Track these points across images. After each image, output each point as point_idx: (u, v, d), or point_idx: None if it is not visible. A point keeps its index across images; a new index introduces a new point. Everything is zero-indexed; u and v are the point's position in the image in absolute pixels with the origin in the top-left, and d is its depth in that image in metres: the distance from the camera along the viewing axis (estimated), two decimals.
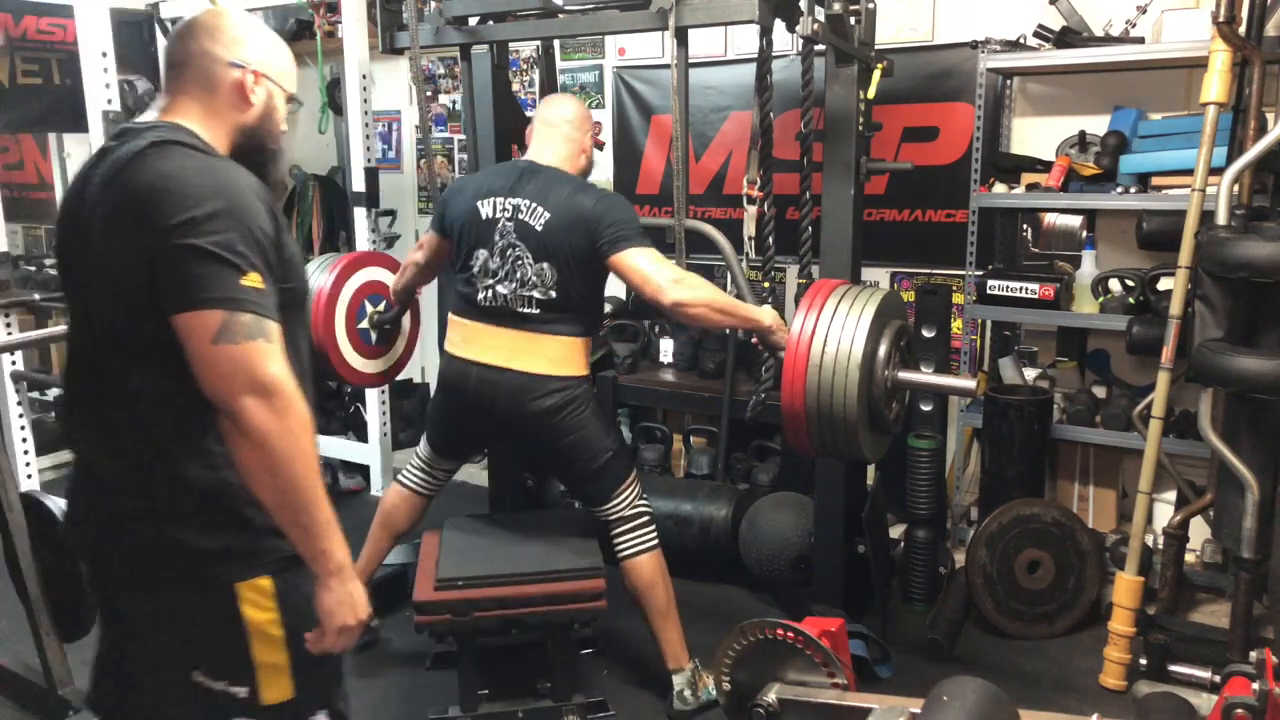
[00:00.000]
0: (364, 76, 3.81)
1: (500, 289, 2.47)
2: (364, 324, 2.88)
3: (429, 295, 3.16)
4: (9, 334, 3.26)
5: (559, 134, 2.56)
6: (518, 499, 3.50)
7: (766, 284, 2.71)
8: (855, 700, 1.75)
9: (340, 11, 3.77)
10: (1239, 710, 1.73)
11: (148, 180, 1.31)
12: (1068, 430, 3.33)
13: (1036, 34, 3.33)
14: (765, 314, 2.40)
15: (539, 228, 2.42)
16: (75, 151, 4.81)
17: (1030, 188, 3.39)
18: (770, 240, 2.70)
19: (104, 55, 3.03)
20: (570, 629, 2.51)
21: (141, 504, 1.40)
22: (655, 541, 2.57)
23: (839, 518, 2.96)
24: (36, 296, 3.72)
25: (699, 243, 2.70)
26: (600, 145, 2.68)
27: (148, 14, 3.90)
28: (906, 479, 3.18)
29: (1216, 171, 2.56)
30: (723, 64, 4.17)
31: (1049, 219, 3.60)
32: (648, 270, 2.33)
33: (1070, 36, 3.26)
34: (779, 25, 2.45)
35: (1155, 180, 3.12)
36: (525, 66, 4.71)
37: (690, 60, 2.57)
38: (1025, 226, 3.67)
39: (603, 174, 4.45)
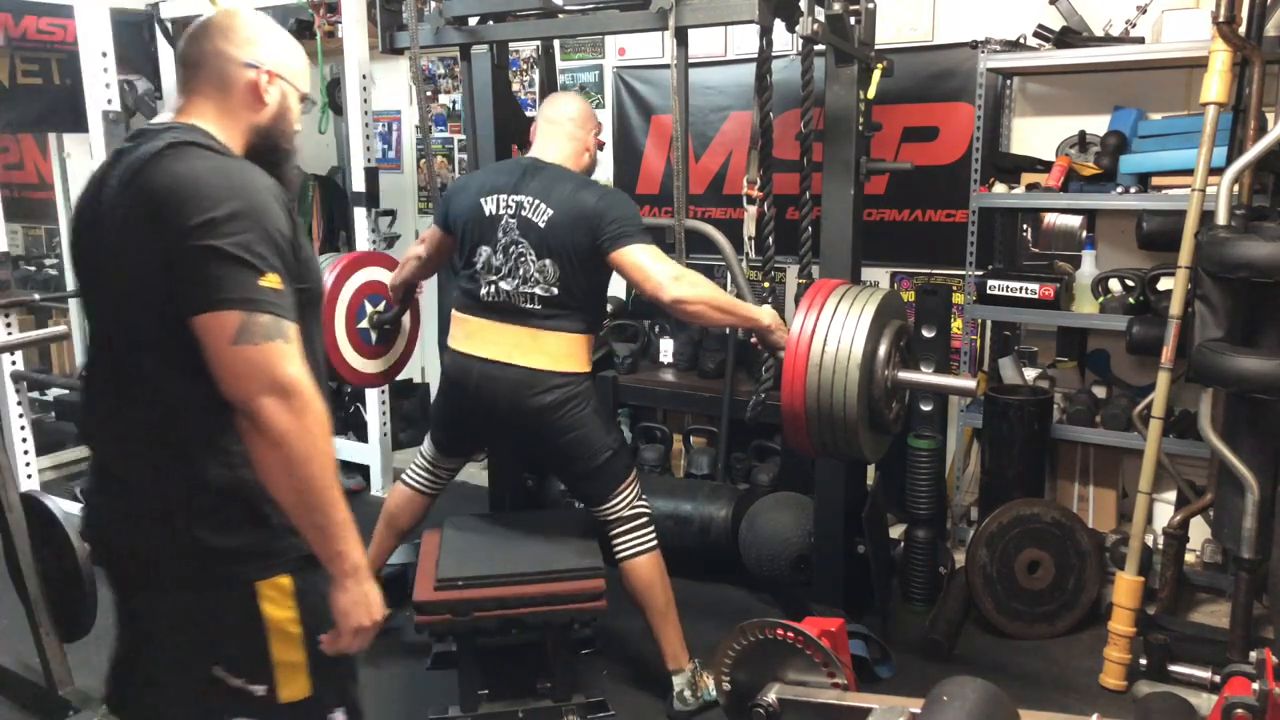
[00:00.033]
0: (364, 76, 3.81)
1: (503, 285, 2.47)
2: (364, 324, 2.88)
3: (429, 295, 3.16)
4: (9, 334, 3.26)
5: (562, 132, 2.56)
6: (518, 499, 3.50)
7: (766, 284, 2.71)
8: (855, 700, 1.75)
9: (340, 11, 3.77)
10: (1239, 710, 1.73)
11: (165, 182, 1.32)
12: (1068, 430, 3.33)
13: (1036, 34, 3.33)
14: (764, 314, 2.40)
15: (542, 224, 2.43)
16: (75, 151, 4.80)
17: (1030, 188, 3.39)
18: (770, 240, 2.70)
19: (104, 55, 3.03)
20: (570, 629, 2.51)
21: (160, 504, 1.40)
22: (654, 542, 2.57)
23: (839, 518, 2.96)
24: (36, 296, 3.73)
25: (699, 243, 2.70)
26: (600, 145, 2.69)
27: (148, 14, 3.90)
28: (906, 479, 3.18)
29: (1216, 171, 2.56)
30: (723, 64, 4.17)
31: (1049, 219, 3.60)
32: (648, 267, 2.33)
33: (1070, 36, 3.26)
34: (779, 25, 2.45)
35: (1155, 180, 3.12)
36: (525, 66, 4.71)
37: (690, 60, 2.57)
38: (1025, 226, 3.67)
39: (603, 174, 4.45)
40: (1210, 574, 3.18)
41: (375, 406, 4.17)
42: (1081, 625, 3.00)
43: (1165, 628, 2.76)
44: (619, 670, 2.82)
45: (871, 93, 2.72)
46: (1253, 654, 2.11)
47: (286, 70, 1.51)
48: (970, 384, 2.32)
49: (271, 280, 1.31)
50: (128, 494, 1.44)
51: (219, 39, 1.47)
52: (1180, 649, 2.66)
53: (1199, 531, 3.14)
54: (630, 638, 2.87)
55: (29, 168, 5.45)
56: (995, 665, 2.83)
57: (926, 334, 3.25)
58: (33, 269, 5.44)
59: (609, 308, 3.38)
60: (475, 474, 4.16)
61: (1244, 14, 2.57)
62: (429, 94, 5.03)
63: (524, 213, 2.45)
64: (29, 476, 3.42)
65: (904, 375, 2.23)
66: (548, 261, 2.43)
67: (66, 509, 3.00)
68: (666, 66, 3.41)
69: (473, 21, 2.89)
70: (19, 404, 3.43)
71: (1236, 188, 2.56)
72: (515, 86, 4.55)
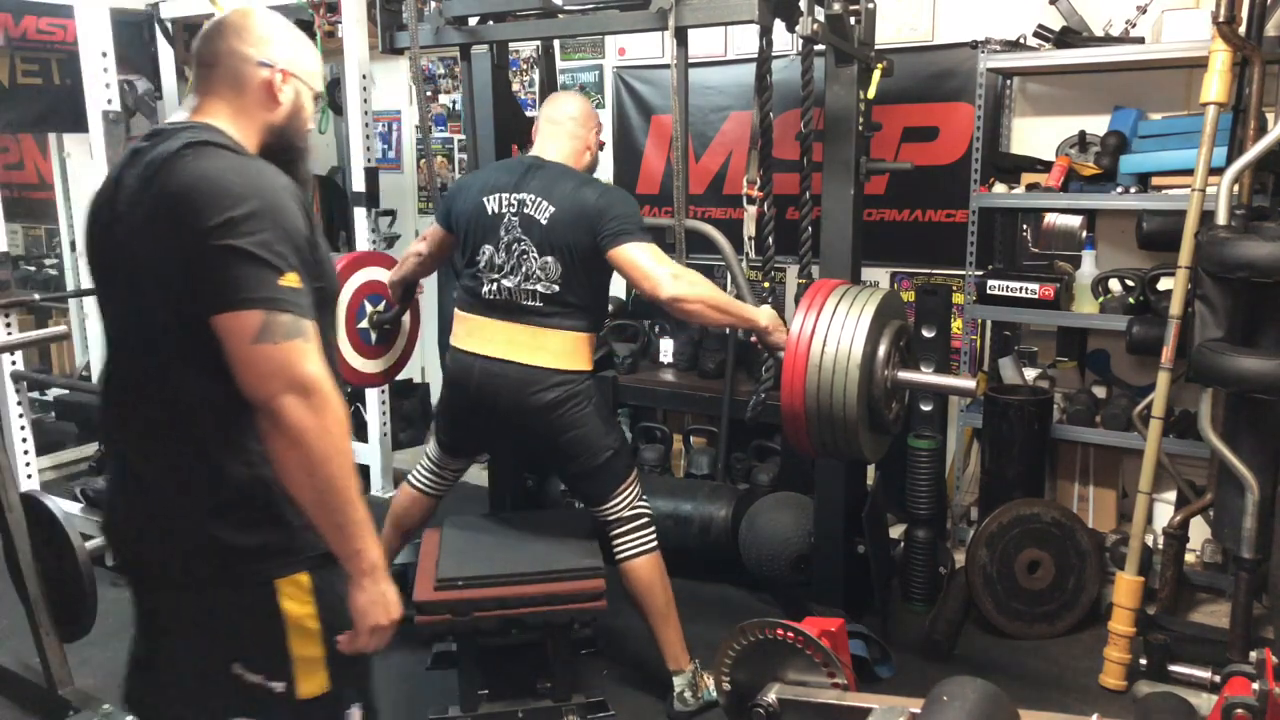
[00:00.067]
0: (364, 76, 3.81)
1: (505, 283, 2.47)
2: (364, 324, 2.88)
3: (429, 295, 3.16)
4: (9, 334, 3.26)
5: (563, 131, 2.57)
6: (518, 499, 3.50)
7: (766, 284, 2.71)
8: (855, 700, 1.75)
9: (340, 11, 3.77)
10: (1239, 710, 1.73)
11: (184, 181, 1.32)
12: (1068, 430, 3.33)
13: (1036, 34, 3.33)
14: (762, 314, 2.40)
15: (544, 221, 2.43)
16: (75, 151, 4.81)
17: (1030, 188, 3.39)
18: (770, 240, 2.70)
19: (104, 55, 3.03)
20: (570, 629, 2.51)
21: (180, 502, 1.41)
22: (654, 543, 2.57)
23: (839, 518, 2.96)
24: (36, 296, 3.73)
25: (699, 243, 2.70)
26: (601, 145, 2.69)
27: (148, 14, 3.90)
28: (906, 479, 3.18)
29: (1216, 171, 2.56)
30: (723, 64, 4.17)
31: (1049, 219, 3.59)
32: (645, 265, 2.33)
33: (1070, 36, 3.27)
34: (779, 25, 2.45)
35: (1155, 180, 3.12)
36: (525, 66, 4.71)
37: (690, 60, 2.57)
38: (1025, 226, 3.67)
39: (603, 174, 4.43)
40: (1210, 574, 3.18)
41: (375, 406, 4.17)
42: (1081, 625, 3.01)
43: (1165, 628, 2.76)
44: (619, 670, 2.82)
45: (871, 93, 2.72)
46: (1253, 654, 2.11)
47: (300, 69, 1.52)
48: (970, 384, 2.32)
49: (291, 279, 1.32)
50: (146, 493, 1.45)
51: (233, 38, 1.48)
52: (1180, 649, 2.66)
53: (1199, 531, 3.14)
54: (630, 638, 2.87)
55: (29, 168, 5.45)
56: (995, 665, 2.83)
57: (926, 334, 3.25)
58: (33, 269, 5.45)
59: (609, 307, 3.38)
60: (475, 474, 4.15)
61: (1244, 14, 2.57)
62: (429, 94, 5.03)
63: (526, 210, 2.45)
64: (29, 476, 3.42)
65: (904, 375, 2.23)
66: (550, 259, 2.43)
67: (66, 509, 3.00)
68: (666, 66, 3.41)
69: (473, 21, 2.89)
70: (19, 404, 3.43)
71: (1236, 188, 2.56)
72: (515, 86, 4.55)
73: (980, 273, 3.47)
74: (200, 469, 1.40)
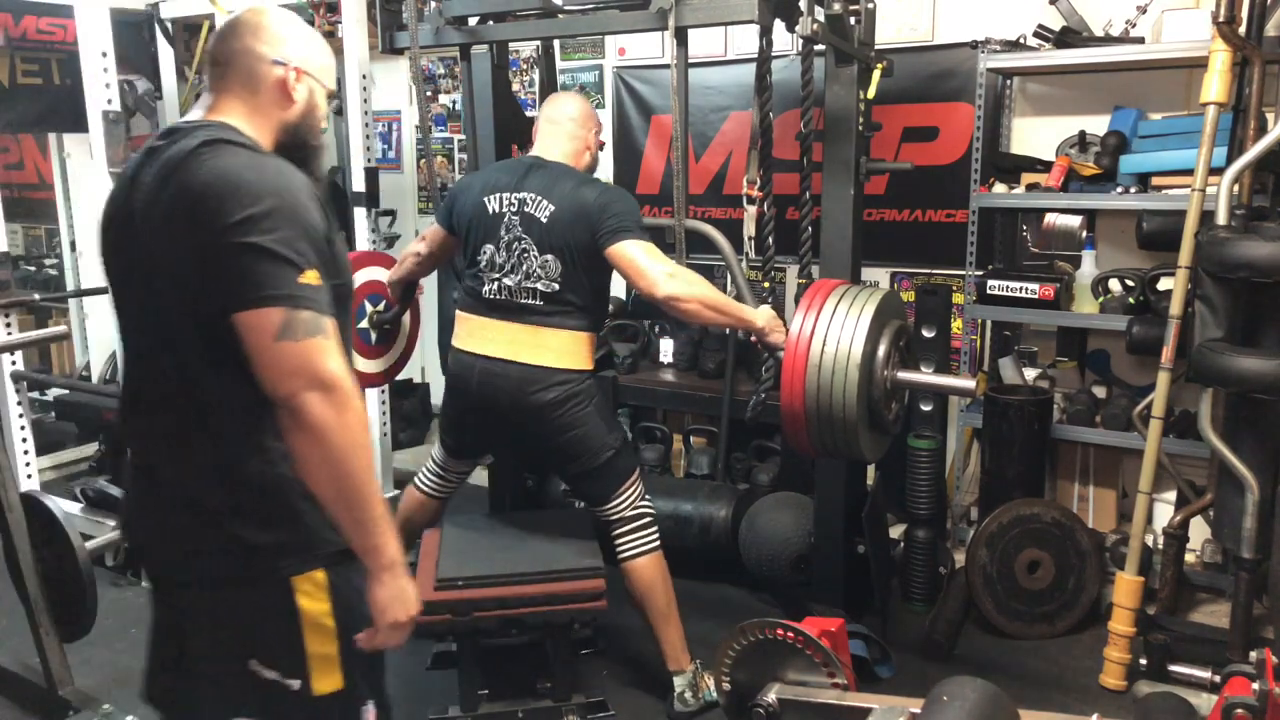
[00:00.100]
0: (364, 76, 3.80)
1: (506, 282, 2.47)
2: (364, 324, 2.88)
3: (429, 295, 3.16)
4: (9, 334, 3.25)
5: (563, 131, 2.57)
6: (518, 499, 3.50)
7: (766, 284, 2.71)
8: (855, 700, 1.75)
9: (340, 11, 3.76)
10: (1239, 710, 1.73)
11: (203, 179, 1.33)
12: (1068, 430, 3.33)
13: (1036, 34, 3.33)
14: (760, 315, 2.41)
15: (544, 220, 2.43)
16: (75, 151, 4.80)
17: (1030, 188, 3.39)
18: (770, 240, 2.70)
19: (104, 55, 3.03)
20: (570, 629, 2.51)
21: (199, 501, 1.42)
22: (656, 543, 2.57)
23: (839, 518, 2.97)
24: (36, 296, 3.72)
25: (699, 243, 2.70)
26: (601, 145, 2.69)
27: (148, 14, 3.90)
28: (906, 479, 3.18)
29: (1216, 171, 2.56)
30: (723, 64, 4.17)
31: (1049, 219, 3.59)
32: (642, 263, 2.34)
33: (1070, 36, 3.27)
34: (779, 25, 2.45)
35: (1155, 180, 3.12)
36: (525, 66, 4.71)
37: (690, 60, 2.57)
38: (1025, 227, 3.67)
39: (603, 174, 4.43)
40: (1210, 574, 3.18)
41: (375, 406, 4.16)
42: (1081, 625, 3.01)
43: (1165, 628, 2.76)
44: (619, 670, 2.82)
45: (871, 93, 2.72)
46: (1253, 654, 2.11)
47: (314, 67, 1.53)
48: (970, 384, 2.32)
49: (310, 277, 1.33)
50: (166, 492, 1.46)
51: (248, 37, 1.48)
52: (1180, 649, 2.66)
53: (1199, 531, 3.14)
54: (630, 638, 2.87)
55: (29, 168, 5.45)
56: (995, 665, 2.83)
57: (926, 334, 3.26)
58: (33, 269, 5.44)
59: (610, 307, 3.38)
60: (475, 474, 4.13)
61: (1244, 14, 2.57)
62: (429, 94, 5.03)
63: (526, 209, 2.45)
64: (29, 476, 3.41)
65: (903, 375, 2.23)
66: (550, 257, 2.43)
67: (66, 509, 3.00)
68: (666, 66, 3.41)
69: (473, 21, 2.89)
70: (19, 404, 3.43)
71: (1236, 188, 2.56)
72: (515, 86, 4.55)
73: (980, 273, 3.47)
74: (218, 467, 1.40)
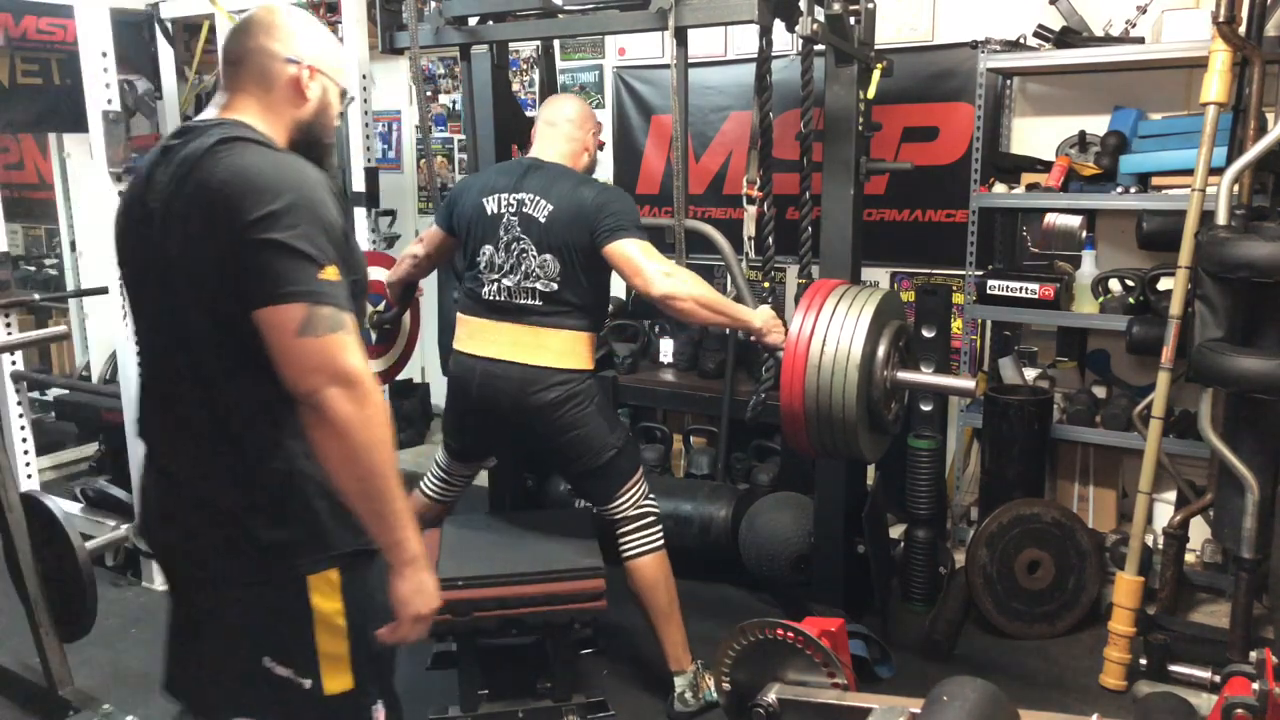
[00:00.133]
0: (364, 76, 3.80)
1: (505, 282, 2.48)
2: (364, 324, 2.88)
3: (429, 296, 3.16)
4: (9, 334, 3.25)
5: (561, 133, 2.57)
6: (518, 499, 3.50)
7: (766, 284, 2.71)
8: (855, 700, 1.75)
9: (340, 11, 3.76)
10: (1239, 710, 1.73)
11: (221, 177, 1.33)
12: (1068, 430, 3.33)
13: (1036, 34, 3.33)
14: (757, 316, 2.41)
15: (542, 219, 2.43)
16: (75, 151, 4.80)
17: (1030, 188, 3.39)
18: (770, 240, 2.70)
19: (104, 55, 3.02)
20: (570, 629, 2.51)
21: (217, 500, 1.43)
22: (660, 542, 2.57)
23: (839, 518, 2.96)
24: (36, 296, 3.72)
25: (699, 243, 2.71)
26: (600, 145, 2.69)
27: (148, 14, 3.89)
28: (906, 479, 3.18)
29: (1216, 171, 2.56)
30: (723, 64, 4.17)
31: (1049, 219, 3.59)
32: (639, 261, 2.34)
33: (1070, 36, 3.27)
34: (779, 25, 2.45)
35: (1155, 180, 3.12)
36: (525, 66, 4.71)
37: (690, 60, 2.57)
38: (1025, 227, 3.67)
39: (603, 174, 4.44)
40: (1210, 574, 3.18)
41: None
42: (1081, 625, 3.01)
43: (1165, 628, 2.76)
44: (620, 670, 2.82)
45: (871, 93, 2.72)
46: (1253, 654, 2.11)
47: (327, 65, 1.54)
48: (969, 384, 2.32)
49: (330, 273, 1.33)
50: (183, 492, 1.47)
51: (261, 36, 1.49)
52: (1180, 649, 2.66)
53: (1199, 531, 3.14)
54: (631, 638, 2.87)
55: (29, 168, 5.45)
56: (995, 665, 2.83)
57: (926, 334, 3.25)
58: (33, 269, 5.44)
59: (610, 307, 3.38)
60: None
61: (1244, 14, 2.57)
62: (429, 94, 5.03)
63: (525, 209, 2.45)
64: (29, 476, 3.41)
65: (903, 375, 2.23)
66: (548, 257, 2.43)
67: (66, 509, 3.00)
68: (666, 66, 3.41)
69: (473, 21, 2.89)
70: (19, 404, 3.43)
71: (1236, 188, 2.56)
72: (515, 86, 4.55)
73: (980, 273, 3.47)
74: (235, 467, 1.41)
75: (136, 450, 3.27)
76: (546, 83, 3.72)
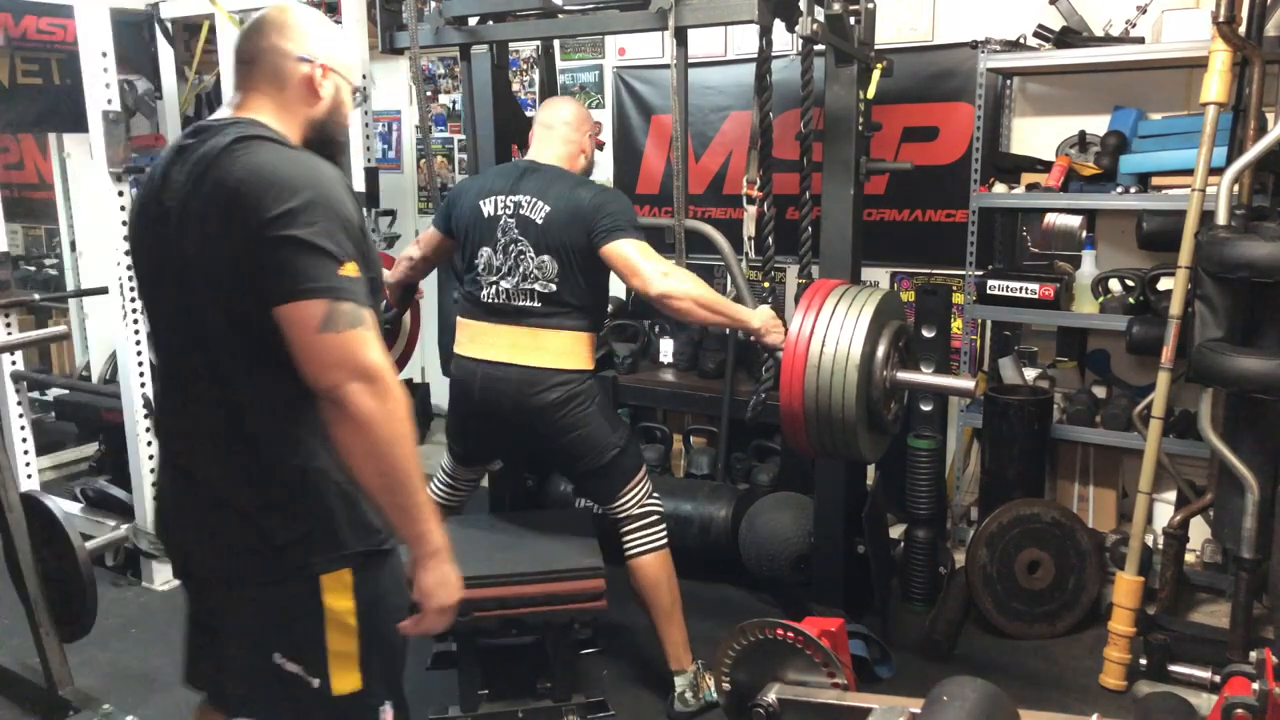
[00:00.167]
0: (364, 76, 3.80)
1: (503, 284, 2.48)
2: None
3: (430, 296, 3.16)
4: (9, 334, 3.25)
5: (557, 136, 2.58)
6: (518, 499, 3.50)
7: (766, 284, 2.71)
8: (855, 700, 1.75)
9: (340, 11, 3.76)
10: (1239, 710, 1.73)
11: (238, 175, 1.34)
12: (1068, 430, 3.33)
13: (1036, 34, 3.33)
14: (756, 316, 2.41)
15: (540, 221, 2.44)
16: (75, 151, 4.80)
17: (1030, 188, 3.39)
18: (770, 240, 2.70)
19: (104, 55, 3.02)
20: (570, 629, 2.51)
21: (232, 498, 1.43)
22: (663, 541, 2.57)
23: (839, 518, 2.96)
24: (36, 296, 3.72)
25: (699, 243, 2.71)
26: (600, 145, 2.69)
27: (148, 14, 3.89)
28: (906, 479, 3.18)
29: (1216, 171, 2.56)
30: (723, 64, 4.17)
31: (1049, 219, 3.59)
32: (636, 261, 2.35)
33: (1070, 36, 3.27)
34: (779, 25, 2.45)
35: (1155, 180, 3.12)
36: (525, 66, 4.71)
37: (690, 60, 2.58)
38: (1025, 227, 3.67)
39: (603, 174, 4.45)
40: (1210, 574, 3.18)
41: None
42: (1081, 625, 3.01)
43: (1165, 628, 2.76)
44: (620, 670, 2.82)
45: (871, 93, 2.72)
46: (1253, 654, 2.11)
47: (339, 64, 1.54)
48: (969, 384, 2.32)
49: (350, 269, 1.34)
50: (199, 490, 1.47)
51: (274, 35, 1.50)
52: (1180, 649, 2.66)
53: (1199, 531, 3.14)
54: (631, 638, 2.87)
55: (29, 168, 5.45)
56: (995, 665, 2.83)
57: (926, 334, 3.25)
58: (33, 269, 5.44)
59: (609, 307, 3.38)
60: None
61: (1244, 14, 2.57)
62: (429, 94, 5.03)
63: (522, 211, 2.46)
64: (29, 476, 3.41)
65: (903, 376, 2.23)
66: (546, 258, 2.43)
67: (66, 509, 3.00)
68: (666, 66, 3.41)
69: (473, 21, 2.89)
70: (19, 404, 3.43)
71: (1236, 188, 2.56)
72: (515, 86, 4.55)
73: (980, 273, 3.47)
74: (252, 466, 1.42)
75: (136, 450, 3.29)
76: (546, 83, 3.72)
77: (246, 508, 1.42)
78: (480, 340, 2.52)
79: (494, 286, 2.49)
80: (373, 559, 1.47)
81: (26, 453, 3.43)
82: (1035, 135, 3.59)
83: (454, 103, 4.97)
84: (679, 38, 2.44)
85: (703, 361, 3.95)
